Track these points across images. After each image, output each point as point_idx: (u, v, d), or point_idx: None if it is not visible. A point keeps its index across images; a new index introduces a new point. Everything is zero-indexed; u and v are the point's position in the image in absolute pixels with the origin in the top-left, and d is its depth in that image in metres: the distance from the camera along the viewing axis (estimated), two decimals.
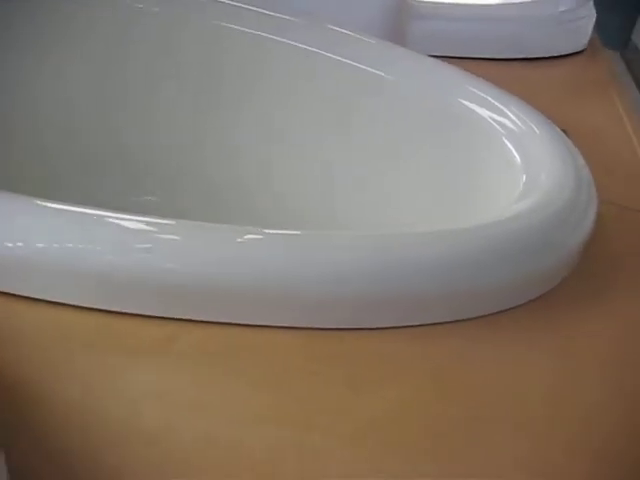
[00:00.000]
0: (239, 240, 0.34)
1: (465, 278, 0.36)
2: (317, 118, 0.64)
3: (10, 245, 0.32)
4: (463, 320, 0.37)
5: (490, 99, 0.57)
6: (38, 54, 0.68)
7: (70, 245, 0.32)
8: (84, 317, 0.32)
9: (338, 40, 0.64)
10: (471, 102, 0.57)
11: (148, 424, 0.29)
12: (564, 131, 0.65)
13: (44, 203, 0.33)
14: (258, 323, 0.33)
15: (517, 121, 0.54)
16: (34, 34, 0.68)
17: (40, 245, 0.32)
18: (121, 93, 0.70)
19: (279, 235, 0.35)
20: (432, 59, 0.63)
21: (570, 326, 0.38)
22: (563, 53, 0.82)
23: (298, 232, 0.35)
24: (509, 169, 0.50)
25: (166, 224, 0.33)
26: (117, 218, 0.34)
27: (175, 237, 0.33)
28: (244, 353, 0.32)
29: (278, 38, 0.65)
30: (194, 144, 0.71)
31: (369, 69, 0.62)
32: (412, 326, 0.35)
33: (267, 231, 0.35)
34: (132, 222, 0.33)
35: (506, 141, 0.51)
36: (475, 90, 0.58)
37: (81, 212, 0.33)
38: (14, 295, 0.32)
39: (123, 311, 0.32)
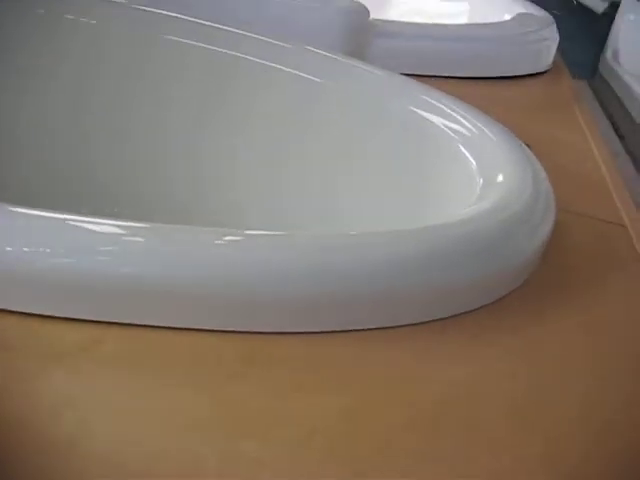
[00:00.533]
0: (164, 239, 0.32)
1: (413, 281, 0.34)
2: (274, 128, 0.64)
3: None
4: (414, 324, 0.35)
5: (445, 108, 0.56)
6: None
7: None
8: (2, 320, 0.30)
9: (293, 52, 0.64)
10: (426, 111, 0.57)
11: (67, 430, 0.27)
12: (528, 145, 0.64)
13: None
14: (188, 326, 0.31)
15: (473, 129, 0.53)
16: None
17: None
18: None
19: (211, 233, 0.33)
20: (389, 72, 0.63)
21: (527, 329, 0.37)
22: (526, 73, 0.82)
23: (232, 231, 0.33)
24: (466, 176, 0.49)
25: (83, 224, 0.32)
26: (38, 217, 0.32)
27: (94, 237, 0.32)
28: (173, 357, 0.30)
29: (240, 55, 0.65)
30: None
31: (317, 80, 0.61)
32: (358, 330, 0.34)
33: (197, 229, 0.33)
34: (44, 220, 0.31)
35: (462, 148, 0.50)
36: (429, 99, 0.58)
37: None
38: None
39: (45, 314, 0.30)
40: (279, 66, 0.62)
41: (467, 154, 0.49)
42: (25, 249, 0.30)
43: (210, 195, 0.71)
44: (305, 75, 0.62)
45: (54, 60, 0.66)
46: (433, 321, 0.36)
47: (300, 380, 0.31)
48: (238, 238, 0.33)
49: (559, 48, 0.88)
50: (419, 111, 0.55)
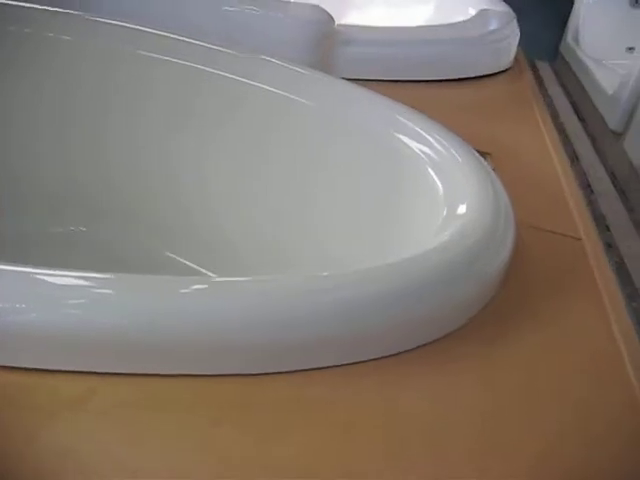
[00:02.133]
0: (141, 293, 0.34)
1: (378, 319, 0.37)
2: (241, 146, 0.65)
3: None
4: (381, 358, 0.37)
5: (415, 128, 0.58)
6: None
7: None
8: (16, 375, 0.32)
9: (268, 69, 0.65)
10: (398, 132, 0.59)
11: None
12: (486, 154, 0.67)
13: None
14: (170, 373, 0.33)
15: (441, 150, 0.55)
16: None
17: None
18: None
19: (187, 283, 0.35)
20: (361, 88, 0.64)
21: (491, 354, 0.40)
22: (489, 72, 0.84)
23: (202, 282, 0.35)
24: (432, 197, 0.51)
25: (73, 279, 0.33)
26: (29, 273, 0.33)
27: (85, 293, 0.33)
28: (161, 404, 0.32)
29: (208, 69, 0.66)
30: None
31: (295, 97, 0.63)
32: (326, 367, 0.36)
33: (172, 280, 0.35)
34: (39, 276, 0.33)
35: (430, 170, 0.52)
36: (401, 118, 0.60)
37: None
38: None
39: (38, 367, 0.32)
40: (245, 80, 0.64)
41: (435, 178, 0.51)
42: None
43: (184, 198, 0.73)
44: (271, 89, 0.64)
45: (37, 75, 0.67)
46: (399, 353, 0.38)
47: (268, 421, 0.33)
48: (204, 286, 0.35)
49: (522, 31, 0.89)
50: (395, 133, 0.57)
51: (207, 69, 0.66)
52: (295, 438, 0.32)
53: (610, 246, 0.60)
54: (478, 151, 0.64)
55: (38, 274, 0.34)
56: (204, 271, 0.72)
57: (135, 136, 0.71)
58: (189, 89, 0.67)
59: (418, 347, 0.39)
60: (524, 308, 0.44)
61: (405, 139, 0.58)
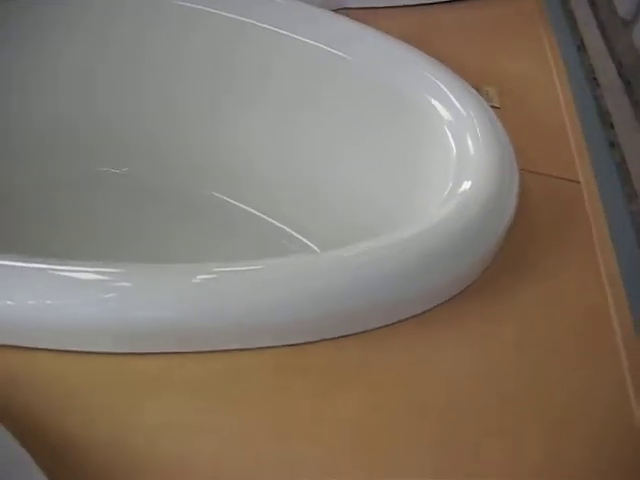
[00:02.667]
0: (196, 280, 0.40)
1: (409, 286, 0.43)
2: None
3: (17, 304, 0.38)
4: (397, 322, 0.44)
5: (421, 76, 0.62)
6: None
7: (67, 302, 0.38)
8: (97, 361, 0.38)
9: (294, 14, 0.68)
10: (415, 87, 0.62)
11: (163, 450, 0.36)
12: (491, 91, 0.70)
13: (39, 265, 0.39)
14: (233, 347, 0.40)
15: (451, 104, 0.59)
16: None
17: (49, 302, 0.38)
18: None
19: (232, 273, 0.41)
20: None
21: (497, 313, 0.46)
22: None
23: (246, 268, 0.41)
24: (445, 156, 0.56)
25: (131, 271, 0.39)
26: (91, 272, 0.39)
27: (144, 283, 0.40)
28: (228, 376, 0.39)
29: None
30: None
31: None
32: (357, 333, 0.43)
33: (219, 269, 0.41)
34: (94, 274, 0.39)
35: (447, 129, 0.57)
36: (419, 69, 0.63)
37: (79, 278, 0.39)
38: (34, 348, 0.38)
39: (119, 351, 0.39)
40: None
41: (450, 137, 0.56)
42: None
43: (215, 138, 0.78)
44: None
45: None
46: (422, 313, 0.45)
47: (324, 383, 0.40)
48: (263, 273, 0.42)
49: None
50: (411, 89, 0.61)
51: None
52: (347, 395, 0.39)
53: (613, 145, 0.64)
54: (485, 93, 0.68)
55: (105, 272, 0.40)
56: (236, 203, 0.78)
57: (167, 82, 0.75)
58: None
59: (437, 305, 0.45)
60: (524, 262, 0.50)
61: (412, 90, 0.62)
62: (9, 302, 0.38)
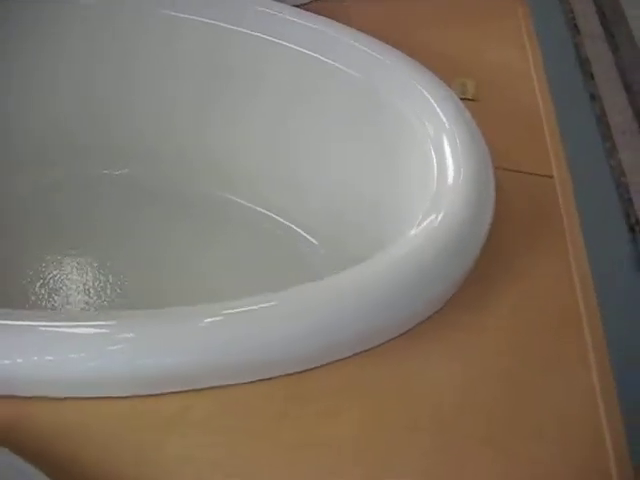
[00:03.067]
0: (202, 325, 0.44)
1: (398, 309, 0.48)
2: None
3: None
4: (387, 341, 0.48)
5: (397, 78, 0.65)
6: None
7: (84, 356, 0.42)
8: (115, 405, 0.43)
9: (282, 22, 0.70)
10: (394, 92, 0.66)
11: None
12: (468, 82, 0.73)
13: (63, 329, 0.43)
14: (245, 381, 0.45)
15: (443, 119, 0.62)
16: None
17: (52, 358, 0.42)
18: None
19: (237, 314, 0.45)
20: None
21: (476, 323, 0.50)
22: None
23: (248, 308, 0.45)
24: (424, 163, 0.59)
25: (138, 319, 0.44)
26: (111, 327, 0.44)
27: (157, 331, 0.44)
28: (240, 409, 0.44)
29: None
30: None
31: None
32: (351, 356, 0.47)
33: (223, 311, 0.45)
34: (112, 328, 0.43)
35: (426, 138, 0.60)
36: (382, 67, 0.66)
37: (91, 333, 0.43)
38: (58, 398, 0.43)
39: (142, 394, 0.43)
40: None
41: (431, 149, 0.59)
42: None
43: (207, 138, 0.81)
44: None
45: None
46: (409, 330, 0.49)
47: (323, 407, 0.45)
48: (265, 304, 0.46)
49: None
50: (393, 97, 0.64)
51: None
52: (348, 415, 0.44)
53: (594, 98, 0.67)
54: (462, 86, 0.71)
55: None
56: (229, 196, 0.82)
57: (163, 85, 0.78)
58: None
59: (423, 321, 0.50)
60: (501, 268, 0.54)
61: (389, 95, 0.65)
62: (20, 359, 0.42)
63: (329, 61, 0.69)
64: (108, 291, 0.79)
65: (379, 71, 0.67)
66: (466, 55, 0.76)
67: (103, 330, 0.43)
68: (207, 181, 0.84)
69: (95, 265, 0.82)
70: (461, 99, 0.69)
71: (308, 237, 0.81)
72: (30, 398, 0.42)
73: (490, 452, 0.44)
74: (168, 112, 0.80)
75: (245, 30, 0.71)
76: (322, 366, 0.46)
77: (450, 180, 0.55)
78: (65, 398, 0.42)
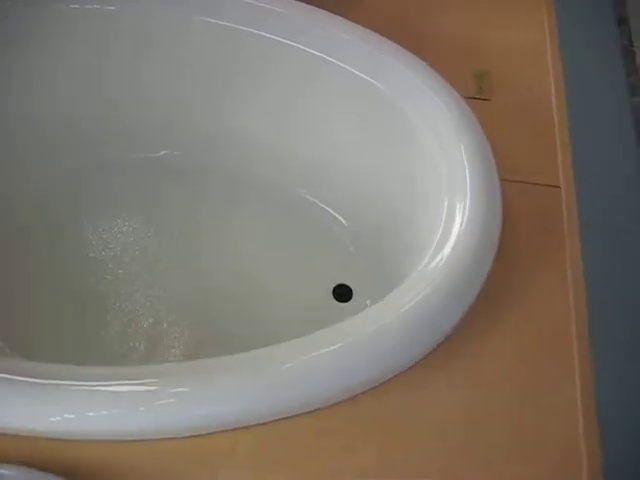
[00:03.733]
0: (244, 377, 0.52)
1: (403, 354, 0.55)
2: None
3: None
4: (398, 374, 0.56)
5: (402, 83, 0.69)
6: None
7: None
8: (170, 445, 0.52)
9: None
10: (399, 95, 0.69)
11: None
12: (484, 75, 0.74)
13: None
14: (279, 418, 0.53)
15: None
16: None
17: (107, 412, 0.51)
18: None
19: (272, 368, 0.53)
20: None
21: (477, 351, 0.58)
22: None
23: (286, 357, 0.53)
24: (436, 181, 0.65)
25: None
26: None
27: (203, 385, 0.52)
28: (278, 443, 0.52)
29: None
30: None
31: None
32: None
33: (265, 357, 0.53)
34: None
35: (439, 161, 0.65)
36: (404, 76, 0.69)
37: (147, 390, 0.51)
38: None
39: (191, 435, 0.52)
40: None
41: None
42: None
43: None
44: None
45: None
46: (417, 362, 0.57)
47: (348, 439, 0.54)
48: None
49: None
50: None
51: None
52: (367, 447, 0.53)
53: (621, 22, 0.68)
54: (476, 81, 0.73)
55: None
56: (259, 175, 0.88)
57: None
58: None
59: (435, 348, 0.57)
60: (506, 290, 0.61)
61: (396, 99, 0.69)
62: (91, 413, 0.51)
63: (335, 61, 0.72)
64: (149, 254, 0.88)
65: (386, 74, 0.70)
66: (481, 38, 0.77)
67: (156, 387, 0.52)
68: (233, 159, 0.89)
69: (135, 233, 0.89)
70: (474, 99, 0.72)
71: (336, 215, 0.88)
72: (97, 442, 0.51)
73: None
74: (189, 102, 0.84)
75: (252, 30, 0.74)
76: (342, 402, 0.54)
77: (457, 214, 0.61)
78: (124, 441, 0.52)
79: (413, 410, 0.55)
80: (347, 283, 0.86)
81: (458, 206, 0.62)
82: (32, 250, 0.84)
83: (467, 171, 0.63)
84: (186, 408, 0.51)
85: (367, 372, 0.54)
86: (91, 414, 0.51)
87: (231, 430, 0.53)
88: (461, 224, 0.60)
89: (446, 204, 0.63)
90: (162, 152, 0.90)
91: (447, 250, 0.59)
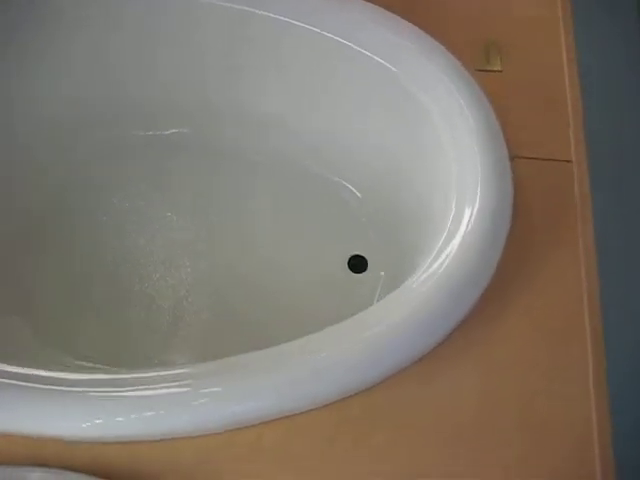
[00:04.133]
0: (271, 376, 0.54)
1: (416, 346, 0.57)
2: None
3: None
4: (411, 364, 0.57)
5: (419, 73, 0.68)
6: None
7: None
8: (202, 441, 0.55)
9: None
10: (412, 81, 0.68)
11: None
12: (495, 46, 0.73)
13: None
14: (303, 410, 0.56)
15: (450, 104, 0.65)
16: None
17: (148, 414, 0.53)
18: None
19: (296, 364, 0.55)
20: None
21: (489, 337, 0.59)
22: None
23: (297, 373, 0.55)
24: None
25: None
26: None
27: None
28: (299, 435, 0.55)
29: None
30: None
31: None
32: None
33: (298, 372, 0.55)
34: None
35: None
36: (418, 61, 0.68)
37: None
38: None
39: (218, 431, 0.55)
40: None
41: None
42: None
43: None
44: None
45: None
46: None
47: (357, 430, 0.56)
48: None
49: None
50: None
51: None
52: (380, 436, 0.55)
53: None
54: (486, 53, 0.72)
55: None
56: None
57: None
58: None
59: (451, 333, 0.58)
60: (516, 273, 0.61)
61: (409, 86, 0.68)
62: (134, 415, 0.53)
63: (351, 45, 0.71)
64: (165, 233, 0.89)
65: (402, 59, 0.69)
66: (492, 9, 0.75)
67: (189, 389, 0.54)
68: (244, 135, 0.89)
69: (149, 213, 0.91)
70: (484, 71, 0.71)
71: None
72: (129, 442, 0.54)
73: (503, 457, 0.55)
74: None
75: (266, 13, 0.73)
76: (357, 394, 0.56)
77: (468, 190, 0.62)
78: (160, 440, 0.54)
79: (426, 400, 0.57)
80: (362, 254, 0.88)
81: (469, 191, 0.62)
82: (50, 236, 0.86)
83: (478, 156, 0.63)
84: (218, 407, 0.54)
85: (385, 364, 0.56)
86: (132, 417, 0.53)
87: (258, 424, 0.55)
88: (472, 210, 0.61)
89: (456, 187, 0.64)
90: (171, 130, 0.90)
91: (458, 238, 0.60)
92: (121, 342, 0.80)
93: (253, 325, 0.83)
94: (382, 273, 0.85)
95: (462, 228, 0.61)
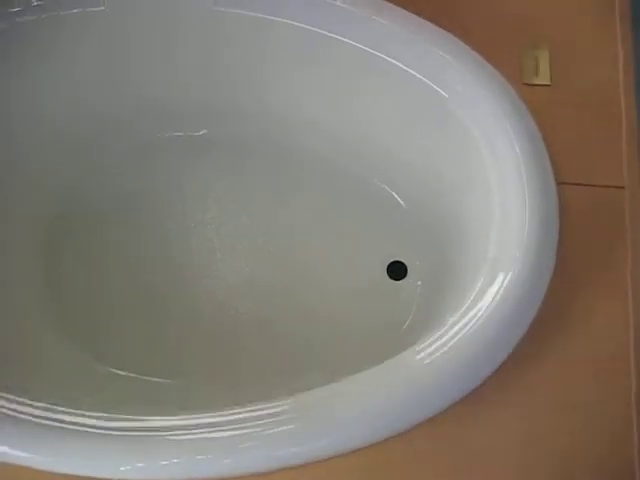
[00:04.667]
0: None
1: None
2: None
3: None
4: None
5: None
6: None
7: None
8: None
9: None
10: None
11: None
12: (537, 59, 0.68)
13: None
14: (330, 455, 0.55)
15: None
16: None
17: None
18: None
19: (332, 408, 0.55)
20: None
21: (529, 380, 0.57)
22: None
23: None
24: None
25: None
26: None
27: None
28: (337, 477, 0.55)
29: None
30: None
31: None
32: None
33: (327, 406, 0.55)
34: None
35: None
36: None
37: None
38: None
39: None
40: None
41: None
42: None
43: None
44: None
45: None
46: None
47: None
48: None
49: None
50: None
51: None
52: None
53: None
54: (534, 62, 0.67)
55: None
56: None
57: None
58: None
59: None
60: (561, 309, 0.59)
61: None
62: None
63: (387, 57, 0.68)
64: (205, 233, 0.89)
65: (444, 74, 0.66)
66: (543, 14, 0.70)
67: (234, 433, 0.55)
68: (280, 135, 0.87)
69: (186, 213, 0.90)
70: (532, 85, 0.67)
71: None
72: None
73: None
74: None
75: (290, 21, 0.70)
76: (393, 437, 0.56)
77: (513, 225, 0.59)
78: None
79: (467, 441, 0.56)
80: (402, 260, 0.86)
81: (513, 224, 0.60)
82: (83, 241, 0.86)
83: (523, 185, 0.60)
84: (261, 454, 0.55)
85: (427, 405, 0.56)
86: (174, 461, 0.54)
87: (289, 469, 0.55)
88: (518, 244, 0.59)
89: (499, 218, 0.61)
90: (203, 131, 0.88)
91: (501, 277, 0.58)
92: (154, 351, 0.81)
93: (289, 331, 0.83)
94: (419, 282, 0.84)
95: (506, 263, 0.59)
